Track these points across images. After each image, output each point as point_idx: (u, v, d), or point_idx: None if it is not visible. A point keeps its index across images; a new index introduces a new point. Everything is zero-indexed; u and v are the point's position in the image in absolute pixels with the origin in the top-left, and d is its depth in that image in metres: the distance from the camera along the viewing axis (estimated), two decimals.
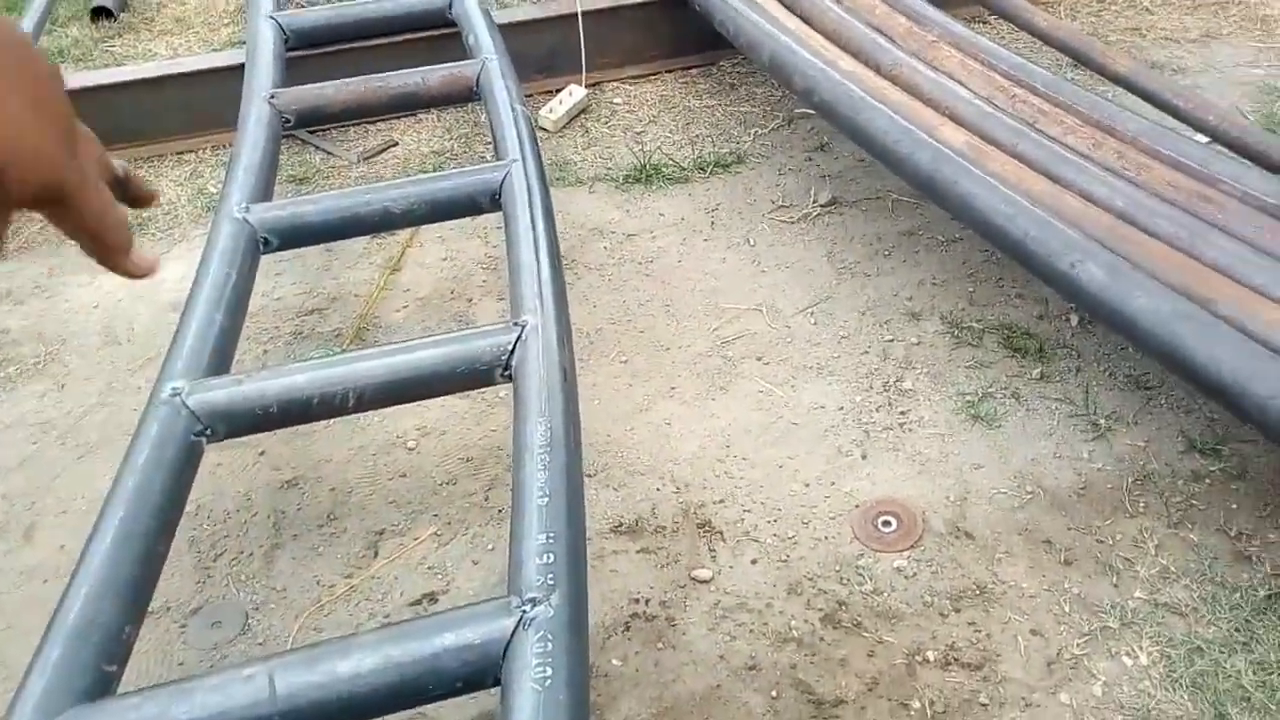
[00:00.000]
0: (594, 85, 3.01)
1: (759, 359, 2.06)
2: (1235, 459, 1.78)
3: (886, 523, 1.71)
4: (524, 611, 1.01)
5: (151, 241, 2.47)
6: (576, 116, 2.90)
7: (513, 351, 1.37)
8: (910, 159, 1.92)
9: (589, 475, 1.80)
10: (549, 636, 0.98)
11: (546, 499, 1.14)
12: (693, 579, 1.64)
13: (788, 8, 2.58)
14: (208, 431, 1.31)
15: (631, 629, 1.57)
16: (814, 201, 2.51)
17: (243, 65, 2.25)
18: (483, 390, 1.80)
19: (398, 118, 2.91)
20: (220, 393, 1.33)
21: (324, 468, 1.87)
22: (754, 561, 1.66)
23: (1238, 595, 1.56)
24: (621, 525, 1.73)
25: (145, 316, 2.26)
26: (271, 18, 2.39)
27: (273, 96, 2.04)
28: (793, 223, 2.45)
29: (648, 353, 2.09)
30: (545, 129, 2.83)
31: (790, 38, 2.32)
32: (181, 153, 2.84)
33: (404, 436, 1.92)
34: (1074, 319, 2.11)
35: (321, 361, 1.39)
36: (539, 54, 2.97)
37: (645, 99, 2.99)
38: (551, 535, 1.09)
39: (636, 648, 1.54)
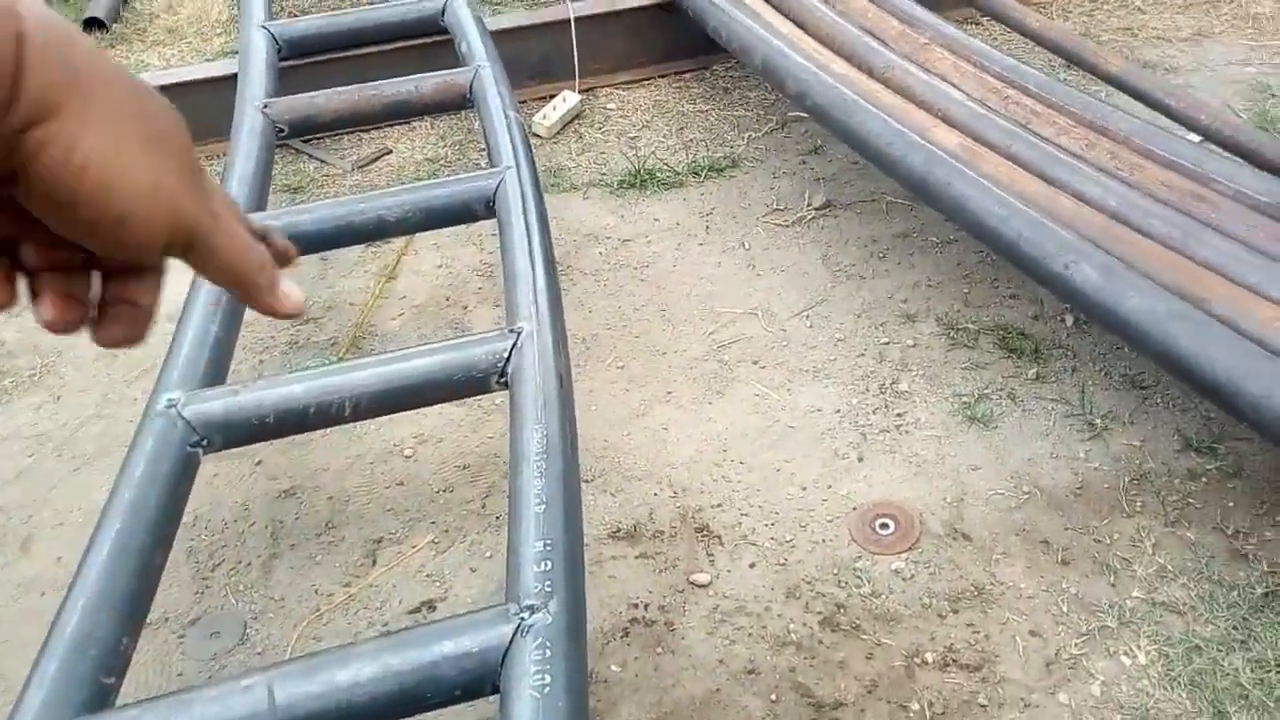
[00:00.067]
0: (587, 91, 3.01)
1: (755, 363, 2.07)
2: (1231, 457, 1.78)
3: (884, 525, 1.71)
4: (522, 619, 1.01)
5: None
6: (570, 122, 2.90)
7: (509, 359, 1.37)
8: (903, 161, 1.93)
9: (586, 481, 1.80)
10: (547, 643, 0.98)
11: (544, 506, 1.14)
12: (691, 583, 1.64)
13: (780, 11, 2.58)
14: (204, 442, 1.31)
15: (630, 634, 1.57)
16: (808, 205, 2.51)
17: (235, 75, 2.25)
18: (479, 397, 1.80)
19: (391, 126, 2.92)
20: (216, 403, 1.33)
21: (321, 477, 1.87)
22: (752, 565, 1.66)
23: (1235, 593, 1.56)
24: (619, 530, 1.73)
25: None
26: (264, 27, 2.39)
27: (266, 106, 2.04)
28: (787, 226, 2.46)
29: (644, 358, 2.10)
30: (539, 135, 2.83)
31: (783, 41, 2.33)
32: None
33: (401, 444, 1.92)
34: (1069, 319, 2.12)
35: (317, 371, 1.39)
36: (532, 60, 2.98)
37: (639, 104, 3.00)
38: (549, 542, 1.09)
39: (635, 653, 1.54)
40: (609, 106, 2.99)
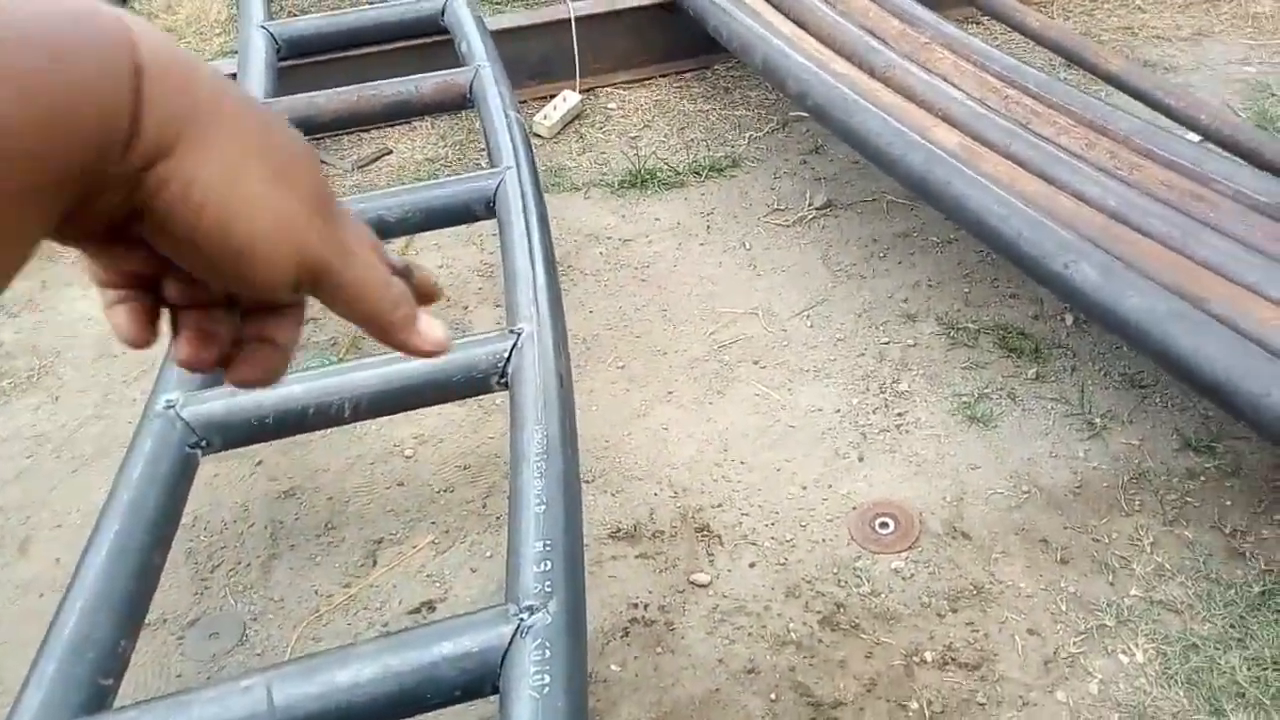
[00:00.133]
0: (588, 91, 3.01)
1: (756, 362, 2.07)
2: (1229, 456, 1.79)
3: (884, 524, 1.71)
4: (522, 619, 1.01)
5: None
6: (571, 122, 2.91)
7: (509, 359, 1.37)
8: (904, 161, 1.93)
9: (587, 481, 1.80)
10: (547, 644, 0.98)
11: (544, 506, 1.14)
12: (691, 583, 1.64)
13: (780, 11, 2.58)
14: (203, 443, 1.31)
15: (630, 634, 1.57)
16: (809, 204, 2.51)
17: (234, 75, 2.25)
18: (479, 398, 1.80)
19: (391, 126, 2.91)
20: (215, 404, 1.33)
21: (321, 477, 1.87)
22: (752, 565, 1.66)
23: (1232, 592, 1.56)
24: (619, 530, 1.73)
25: None
26: (263, 27, 2.39)
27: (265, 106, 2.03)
28: (788, 226, 2.46)
29: (644, 358, 2.10)
30: (540, 135, 2.83)
31: (783, 41, 2.33)
32: None
33: (401, 445, 1.92)
34: (1069, 319, 2.12)
35: (317, 371, 1.39)
36: (532, 60, 2.98)
37: (639, 104, 3.00)
38: (549, 542, 1.09)
39: (635, 653, 1.55)
40: (609, 106, 2.99)
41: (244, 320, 0.44)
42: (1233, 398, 1.43)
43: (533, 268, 1.53)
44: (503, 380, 1.38)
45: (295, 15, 3.28)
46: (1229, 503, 1.71)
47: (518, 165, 1.77)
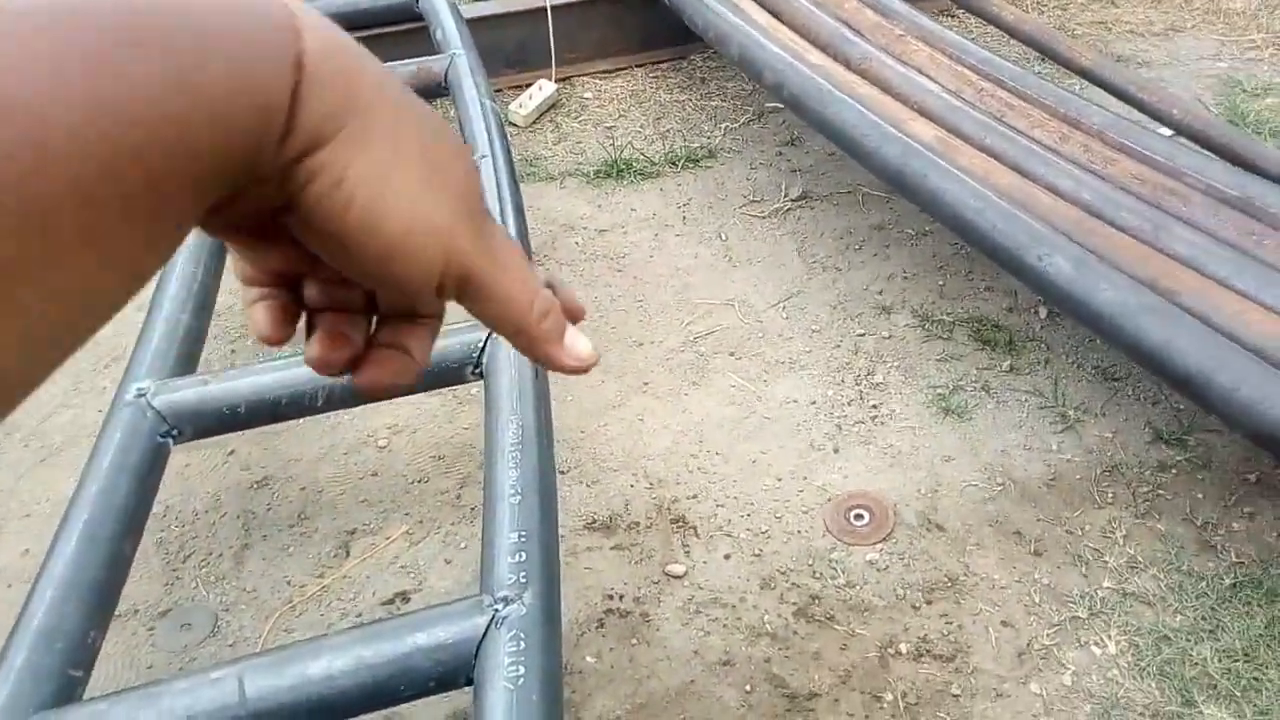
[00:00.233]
0: (564, 80, 3.00)
1: (731, 354, 2.07)
2: (1201, 449, 1.80)
3: (859, 516, 1.71)
4: (496, 610, 1.00)
5: None
6: (546, 111, 2.89)
7: (484, 349, 1.36)
8: (879, 153, 1.93)
9: (562, 472, 1.79)
10: (521, 635, 0.98)
11: (519, 497, 1.13)
12: (666, 574, 1.64)
13: (757, 2, 2.58)
14: (174, 432, 1.30)
15: (605, 625, 1.57)
16: (785, 196, 2.51)
17: None
18: (454, 388, 1.79)
19: None
20: (187, 393, 1.31)
21: (294, 467, 1.86)
22: (727, 556, 1.66)
23: (1204, 584, 1.58)
24: (595, 522, 1.73)
25: None
26: None
27: None
28: (764, 217, 2.46)
29: (620, 349, 2.09)
30: (515, 124, 2.82)
31: (759, 32, 2.32)
32: None
33: (375, 435, 1.91)
34: (1043, 311, 2.13)
35: (290, 360, 1.38)
36: (508, 48, 2.96)
37: (615, 94, 2.99)
38: (524, 533, 1.09)
39: (611, 644, 1.54)
40: (586, 96, 2.98)
41: (379, 327, 0.43)
42: (1204, 391, 1.44)
43: None
44: (477, 370, 1.37)
45: None
46: (1200, 495, 1.72)
47: (493, 154, 1.76)
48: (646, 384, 2.00)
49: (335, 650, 0.97)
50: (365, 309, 0.43)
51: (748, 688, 1.48)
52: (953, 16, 3.24)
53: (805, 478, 1.79)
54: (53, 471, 1.86)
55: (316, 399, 1.33)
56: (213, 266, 1.60)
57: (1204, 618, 1.53)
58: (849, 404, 1.94)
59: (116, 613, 1.15)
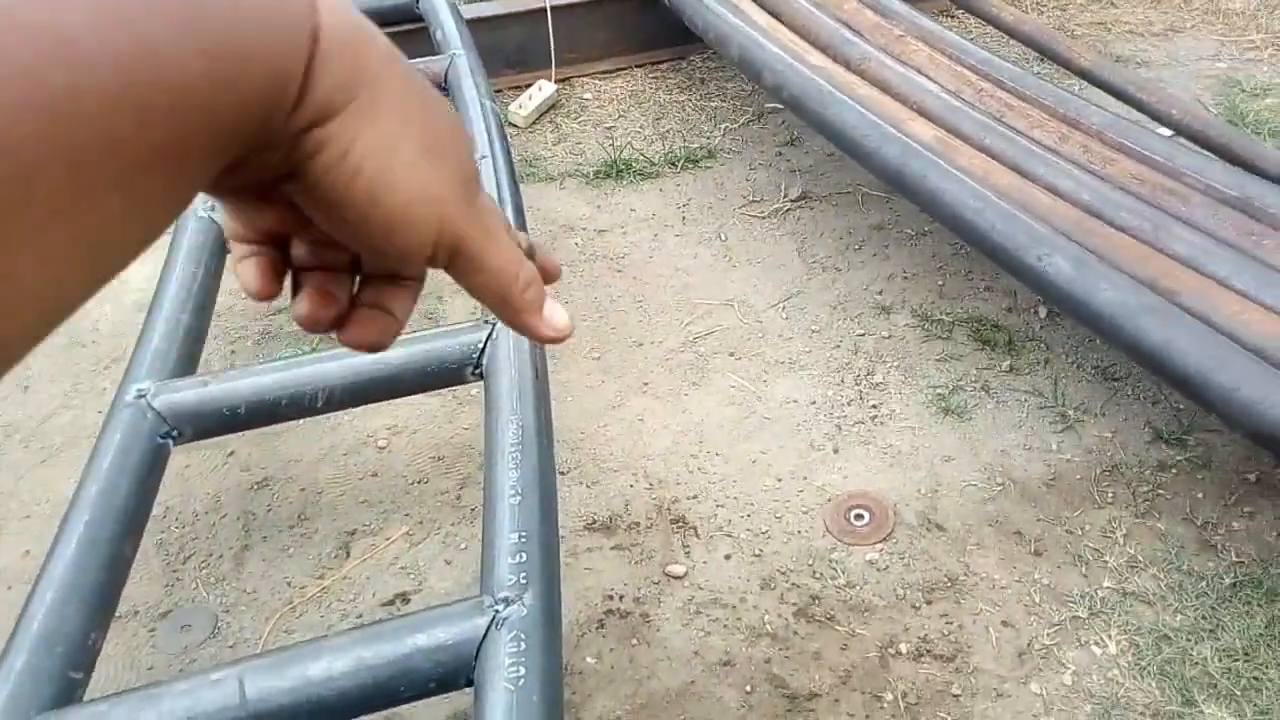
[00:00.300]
0: (563, 80, 3.00)
1: (731, 354, 2.07)
2: (1200, 448, 1.80)
3: (859, 516, 1.72)
4: (496, 611, 1.00)
5: None
6: (546, 112, 2.89)
7: (484, 350, 1.36)
8: (879, 153, 1.93)
9: (562, 473, 1.79)
10: (522, 636, 0.98)
11: (519, 498, 1.13)
12: (667, 575, 1.64)
13: (756, 2, 2.58)
14: (174, 433, 1.30)
15: (606, 626, 1.57)
16: (784, 196, 2.52)
17: None
18: (454, 388, 1.79)
19: None
20: (187, 394, 1.31)
21: (294, 468, 1.86)
22: (728, 557, 1.66)
23: (1204, 583, 1.58)
24: (595, 522, 1.73)
25: (110, 317, 2.23)
26: None
27: None
28: (764, 218, 2.46)
29: (620, 349, 2.09)
30: (515, 125, 2.82)
31: (759, 32, 2.32)
32: None
33: (375, 435, 1.91)
34: (1042, 311, 2.13)
35: (290, 361, 1.38)
36: (508, 49, 2.96)
37: (615, 94, 2.99)
38: (524, 534, 1.09)
39: (611, 645, 1.54)
40: (585, 96, 2.98)
41: (362, 287, 0.45)
42: (1204, 390, 1.44)
43: None
44: (477, 371, 1.37)
45: None
46: (1200, 495, 1.72)
47: (493, 155, 1.76)
48: (646, 384, 2.00)
49: (335, 651, 0.97)
50: (350, 270, 0.45)
51: (748, 688, 1.48)
52: (952, 17, 3.24)
53: (805, 478, 1.79)
54: (53, 472, 1.86)
55: (316, 400, 1.33)
56: (212, 267, 1.60)
57: (1204, 617, 1.53)
58: (849, 404, 1.94)
59: (117, 614, 1.15)
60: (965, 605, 1.57)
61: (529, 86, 2.91)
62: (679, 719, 1.44)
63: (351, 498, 1.79)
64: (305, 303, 0.43)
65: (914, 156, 1.88)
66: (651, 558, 1.67)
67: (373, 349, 0.45)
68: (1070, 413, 1.89)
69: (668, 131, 2.79)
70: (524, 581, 1.03)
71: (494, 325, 1.38)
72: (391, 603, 1.62)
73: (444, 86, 2.08)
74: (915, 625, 1.55)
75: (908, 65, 2.25)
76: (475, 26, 2.42)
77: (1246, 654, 1.48)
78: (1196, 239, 1.71)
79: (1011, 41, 2.59)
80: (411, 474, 1.83)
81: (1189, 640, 1.50)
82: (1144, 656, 1.48)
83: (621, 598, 1.61)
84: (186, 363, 1.43)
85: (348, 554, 1.70)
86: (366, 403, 1.42)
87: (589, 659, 1.52)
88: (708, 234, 2.41)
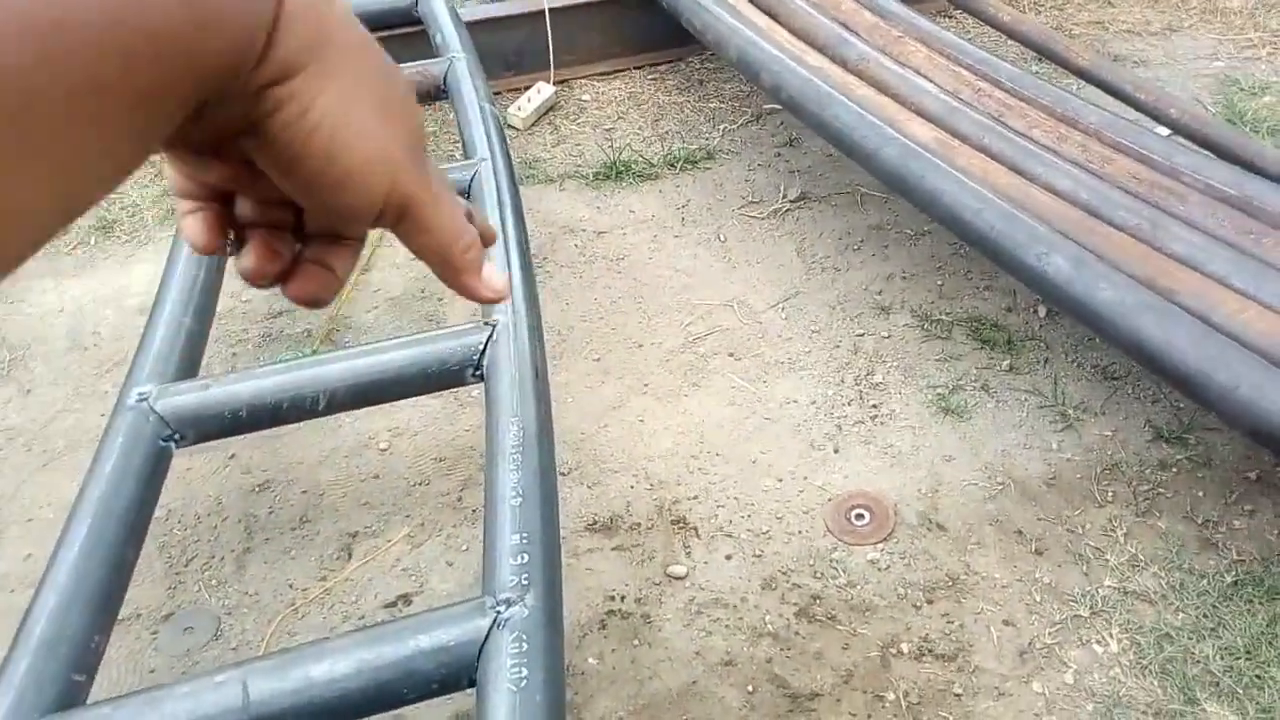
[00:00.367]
0: (562, 82, 3.00)
1: (731, 355, 2.07)
2: (1201, 447, 1.81)
3: (859, 516, 1.72)
4: (498, 612, 1.00)
5: (117, 245, 2.45)
6: (545, 114, 2.89)
7: (484, 351, 1.36)
8: (878, 154, 1.93)
9: (563, 474, 1.80)
10: (524, 637, 0.98)
11: (520, 499, 1.14)
12: (668, 575, 1.64)
13: (754, 4, 2.58)
14: (176, 436, 1.30)
15: (607, 627, 1.57)
16: (783, 197, 2.52)
17: None
18: (455, 390, 1.79)
19: None
20: (188, 397, 1.31)
21: (296, 470, 1.86)
22: (729, 557, 1.67)
23: (1205, 582, 1.58)
24: (596, 523, 1.73)
25: (111, 321, 2.23)
26: None
27: None
28: (763, 218, 2.46)
29: (620, 350, 2.09)
30: (514, 127, 2.82)
31: (757, 34, 2.33)
32: None
33: (376, 437, 1.91)
34: (1042, 311, 2.13)
35: (291, 364, 1.38)
36: (506, 51, 2.96)
37: (614, 96, 2.99)
38: (525, 535, 1.09)
39: (613, 645, 1.55)
40: (584, 98, 2.98)
41: (305, 245, 0.47)
42: (1204, 389, 1.45)
43: (508, 260, 1.53)
44: (478, 373, 1.37)
45: None
46: (1201, 493, 1.73)
47: (492, 157, 1.76)
48: (646, 385, 2.01)
49: (338, 653, 0.97)
50: (293, 229, 0.46)
51: (750, 688, 1.48)
52: (950, 17, 3.25)
53: (805, 478, 1.79)
54: (55, 476, 1.87)
55: (318, 402, 1.34)
56: (213, 271, 1.60)
57: (1205, 615, 1.53)
58: (849, 404, 1.94)
59: (119, 617, 1.16)
60: (966, 604, 1.58)
61: (528, 89, 2.91)
62: (681, 719, 1.45)
63: (353, 500, 1.80)
64: (251, 256, 0.45)
65: (913, 157, 1.88)
66: (653, 558, 1.67)
67: (314, 303, 0.47)
68: (1070, 412, 1.89)
69: (666, 133, 2.80)
70: (526, 583, 1.04)
71: (494, 327, 1.38)
72: (393, 604, 1.62)
73: (443, 89, 2.08)
74: (917, 625, 1.55)
75: (906, 65, 2.25)
76: (474, 29, 2.42)
77: (1248, 652, 1.48)
78: (1195, 237, 1.71)
79: (1009, 41, 2.59)
80: (413, 476, 1.84)
81: (1190, 639, 1.50)
82: (1145, 655, 1.49)
83: (623, 598, 1.61)
84: (188, 366, 1.44)
85: (349, 556, 1.70)
86: (367, 405, 1.42)
87: (591, 660, 1.53)
88: (707, 235, 2.41)
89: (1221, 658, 1.47)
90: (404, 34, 2.63)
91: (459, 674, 0.98)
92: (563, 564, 1.23)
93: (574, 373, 2.04)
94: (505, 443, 1.22)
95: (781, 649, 1.53)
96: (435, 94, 2.11)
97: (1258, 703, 1.42)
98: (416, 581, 1.65)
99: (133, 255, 2.42)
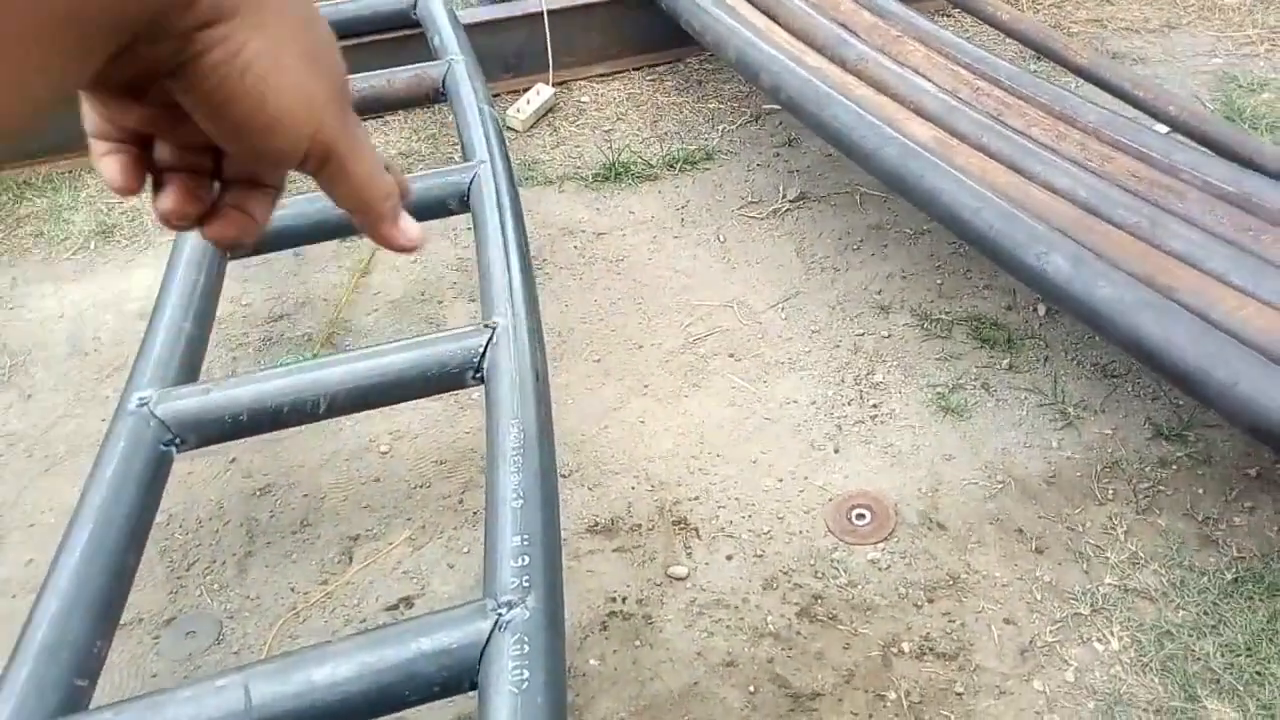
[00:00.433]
0: (561, 84, 3.00)
1: (731, 355, 2.07)
2: (1200, 444, 1.81)
3: (860, 515, 1.72)
4: (500, 614, 1.01)
5: (117, 250, 2.45)
6: (544, 116, 2.90)
7: (484, 354, 1.37)
8: (877, 154, 1.93)
9: (563, 475, 1.80)
10: (525, 639, 0.98)
11: (521, 501, 1.14)
12: (669, 576, 1.64)
13: (753, 4, 2.59)
14: (177, 441, 1.30)
15: (609, 628, 1.57)
16: (783, 197, 2.52)
17: None
18: (455, 393, 1.79)
19: (364, 120, 2.88)
20: (189, 401, 1.31)
21: (296, 474, 1.86)
22: (729, 557, 1.67)
23: (1205, 579, 1.58)
24: (597, 524, 1.73)
25: (112, 325, 2.24)
26: None
27: None
28: (762, 218, 2.46)
29: (620, 351, 2.10)
30: (513, 129, 2.82)
31: (756, 34, 2.33)
32: None
33: (376, 440, 1.91)
34: (1041, 309, 2.13)
35: (292, 367, 1.38)
36: (505, 53, 2.96)
37: (613, 97, 2.99)
38: (526, 537, 1.09)
39: (614, 647, 1.55)
40: (583, 100, 2.98)
41: (224, 190, 0.48)
42: (1203, 386, 1.45)
43: (507, 262, 1.53)
44: (478, 375, 1.37)
45: None
46: (1201, 491, 1.73)
47: (491, 159, 1.76)
48: (647, 386, 2.01)
49: (340, 657, 0.97)
50: (211, 174, 0.47)
51: (751, 688, 1.48)
52: (949, 16, 3.25)
53: (806, 478, 1.80)
54: (56, 481, 1.87)
55: (319, 405, 1.34)
56: (213, 275, 1.61)
57: (1206, 613, 1.53)
58: (849, 404, 1.94)
59: (121, 622, 1.16)
60: (967, 603, 1.58)
61: (527, 90, 2.92)
62: None
63: (354, 503, 1.80)
64: (170, 198, 0.45)
65: (912, 156, 1.88)
66: (654, 559, 1.67)
67: (233, 246, 0.48)
68: (1070, 410, 1.89)
69: (666, 134, 2.80)
70: (527, 585, 1.04)
71: (494, 329, 1.38)
72: (395, 607, 1.62)
73: (442, 92, 2.08)
74: (917, 624, 1.55)
75: (905, 65, 2.25)
76: (473, 31, 2.43)
77: (1249, 649, 1.48)
78: (1194, 235, 1.71)
79: (1008, 40, 2.60)
80: (414, 479, 1.84)
81: (1191, 636, 1.50)
82: (1146, 653, 1.49)
83: (624, 600, 1.61)
84: (188, 370, 1.44)
85: (351, 559, 1.70)
86: (368, 408, 1.42)
87: (592, 661, 1.53)
88: (706, 235, 2.41)
89: (1222, 655, 1.47)
90: (402, 36, 2.64)
91: (461, 676, 0.98)
92: (564, 566, 1.23)
93: (574, 374, 2.04)
94: (506, 445, 1.22)
95: (783, 649, 1.53)
96: (434, 96, 2.11)
97: (1258, 699, 1.42)
98: (418, 584, 1.65)
99: (133, 260, 2.42)
